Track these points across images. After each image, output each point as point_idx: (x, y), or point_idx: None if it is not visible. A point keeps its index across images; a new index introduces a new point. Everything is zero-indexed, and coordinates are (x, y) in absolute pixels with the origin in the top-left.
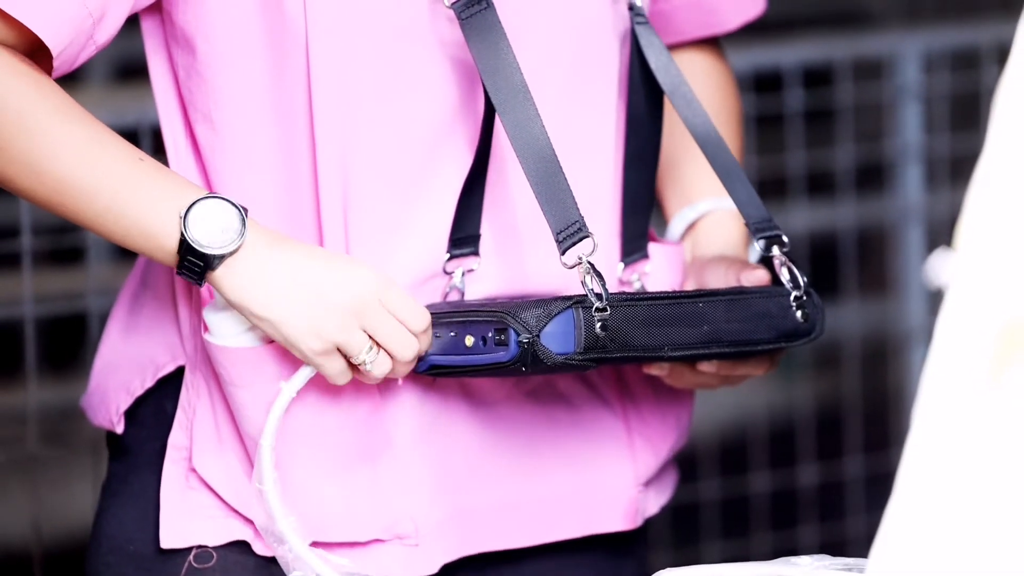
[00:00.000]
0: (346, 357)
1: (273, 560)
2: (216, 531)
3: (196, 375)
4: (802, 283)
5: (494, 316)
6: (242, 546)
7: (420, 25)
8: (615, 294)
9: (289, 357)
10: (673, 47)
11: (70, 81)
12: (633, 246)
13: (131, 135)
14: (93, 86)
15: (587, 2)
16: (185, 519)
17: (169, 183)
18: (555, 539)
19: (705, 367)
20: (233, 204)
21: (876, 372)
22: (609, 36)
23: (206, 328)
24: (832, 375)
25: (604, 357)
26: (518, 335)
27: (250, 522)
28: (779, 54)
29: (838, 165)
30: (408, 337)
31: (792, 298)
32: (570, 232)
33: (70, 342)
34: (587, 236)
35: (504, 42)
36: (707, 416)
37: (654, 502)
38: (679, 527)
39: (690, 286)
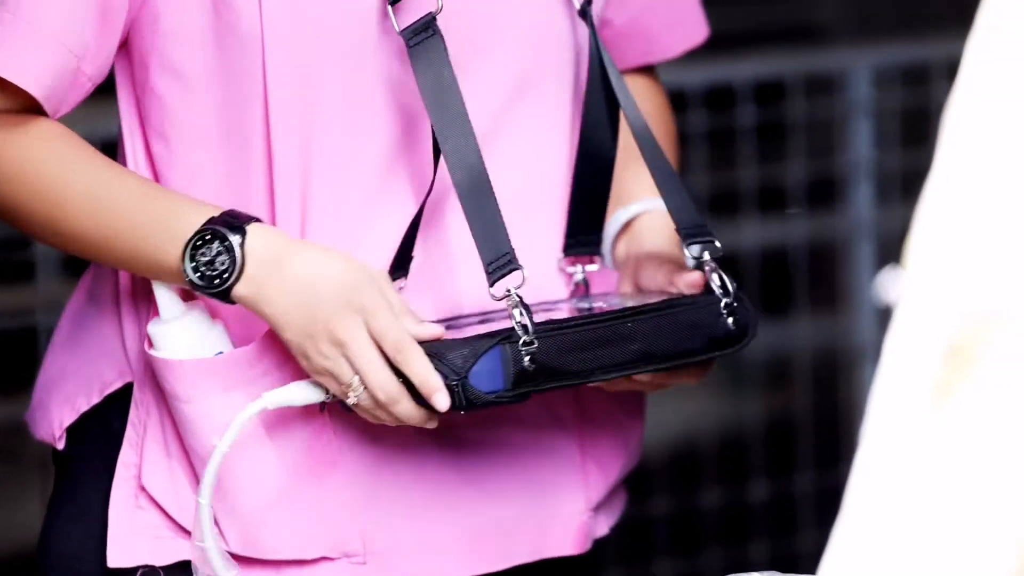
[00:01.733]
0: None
1: None
2: (164, 551)
3: (145, 392)
4: (731, 289)
5: None
6: (190, 565)
7: (372, 47)
8: (541, 323)
9: (233, 372)
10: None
11: None
12: (579, 241)
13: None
14: None
15: (545, 18)
16: (133, 538)
17: (171, 217)
18: (507, 566)
19: (640, 377)
20: (228, 231)
21: (827, 388)
22: (566, 50)
23: (150, 343)
24: (783, 391)
25: (534, 389)
26: (446, 378)
27: None
28: (731, 70)
29: (789, 181)
30: (386, 376)
31: (723, 305)
32: (500, 264)
33: (19, 358)
34: (516, 269)
35: (448, 70)
36: (657, 432)
37: (603, 524)
38: (630, 543)
39: (625, 285)
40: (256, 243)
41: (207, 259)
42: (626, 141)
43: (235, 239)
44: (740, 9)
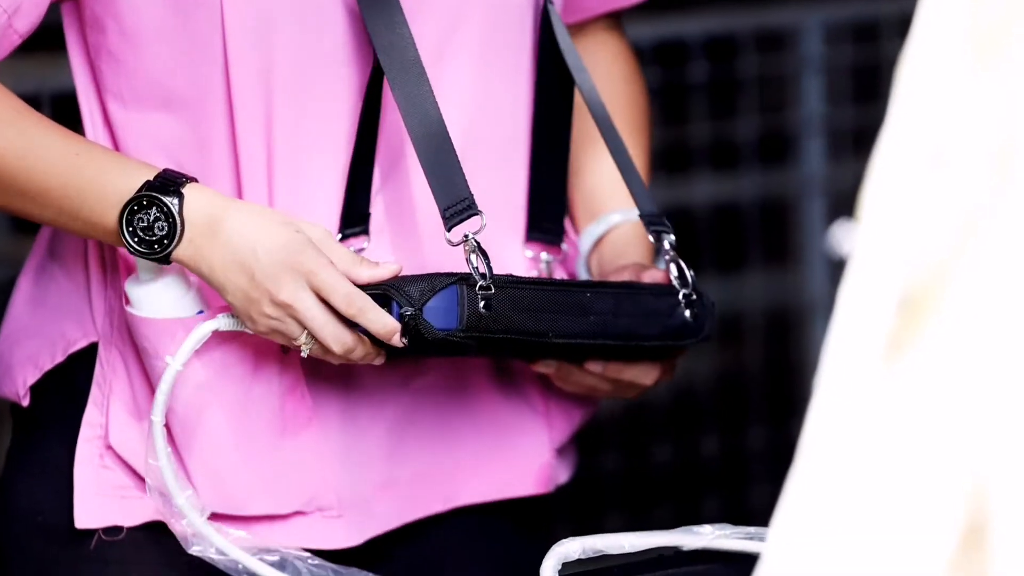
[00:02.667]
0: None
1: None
2: (131, 510)
3: (111, 351)
4: (690, 281)
5: (378, 288)
6: (155, 523)
7: (328, 1)
8: (501, 275)
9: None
10: (579, 24)
11: None
12: (543, 225)
13: (33, 103)
14: None
15: None
16: (99, 498)
17: (104, 181)
18: (467, 502)
19: (593, 367)
20: (164, 197)
21: (779, 343)
22: (521, 12)
23: (127, 301)
24: (735, 346)
25: (486, 337)
26: (400, 307)
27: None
28: (682, 26)
29: (741, 136)
30: (338, 330)
31: (680, 296)
32: (458, 209)
33: None
34: (476, 214)
35: (400, 17)
36: None
37: (564, 471)
38: (581, 499)
39: None
40: (193, 205)
41: (144, 225)
42: (581, 125)
43: (172, 203)
44: None
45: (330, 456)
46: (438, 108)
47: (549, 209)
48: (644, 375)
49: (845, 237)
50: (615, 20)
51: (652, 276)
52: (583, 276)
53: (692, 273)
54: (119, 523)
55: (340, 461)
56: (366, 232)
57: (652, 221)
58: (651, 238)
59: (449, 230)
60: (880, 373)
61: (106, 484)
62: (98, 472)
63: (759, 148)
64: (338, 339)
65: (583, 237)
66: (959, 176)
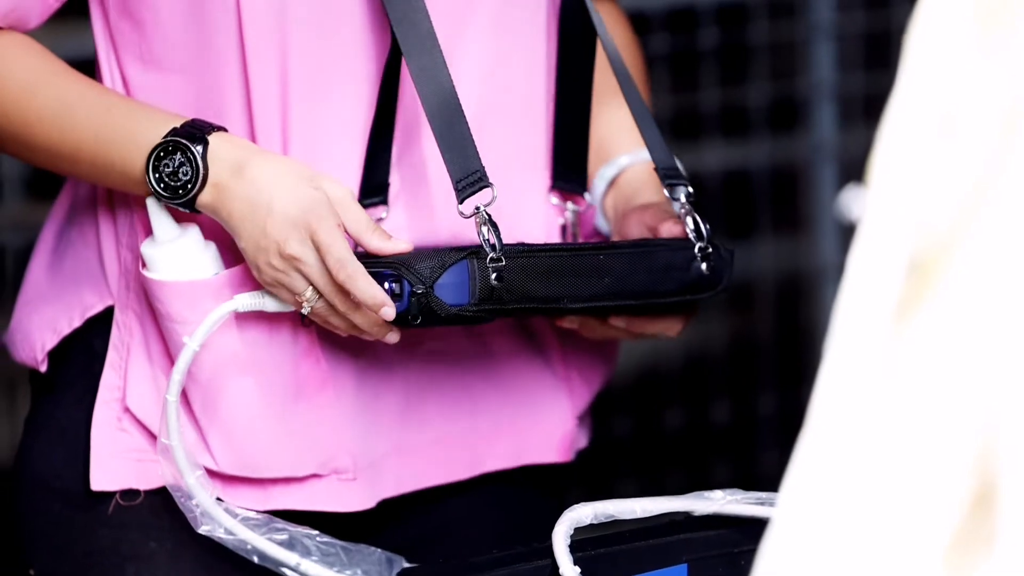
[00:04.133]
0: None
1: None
2: (148, 474)
3: (128, 314)
4: (706, 234)
5: (389, 266)
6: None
7: None
8: (511, 245)
9: (228, 292)
10: None
11: None
12: (568, 176)
13: None
14: None
15: None
16: (116, 460)
17: (135, 131)
18: (489, 469)
19: (616, 321)
20: (190, 142)
21: (790, 309)
22: None
23: (143, 264)
24: (745, 312)
25: (500, 309)
26: (411, 286)
27: None
28: None
29: (752, 103)
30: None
31: (696, 249)
32: (470, 181)
33: None
34: (486, 186)
35: None
36: (622, 353)
37: (583, 436)
38: (593, 464)
39: (615, 240)
40: (217, 152)
41: (170, 170)
42: (595, 79)
43: (197, 149)
44: None
45: (345, 419)
46: (451, 80)
47: (572, 160)
48: (669, 328)
49: (855, 203)
50: None
51: (669, 229)
52: (601, 221)
53: (708, 226)
54: (136, 486)
55: (356, 424)
56: (385, 202)
57: (668, 174)
58: (666, 191)
59: (461, 202)
60: (890, 338)
61: (123, 447)
62: (115, 435)
63: (770, 115)
64: (342, 298)
65: (596, 180)
66: (968, 142)
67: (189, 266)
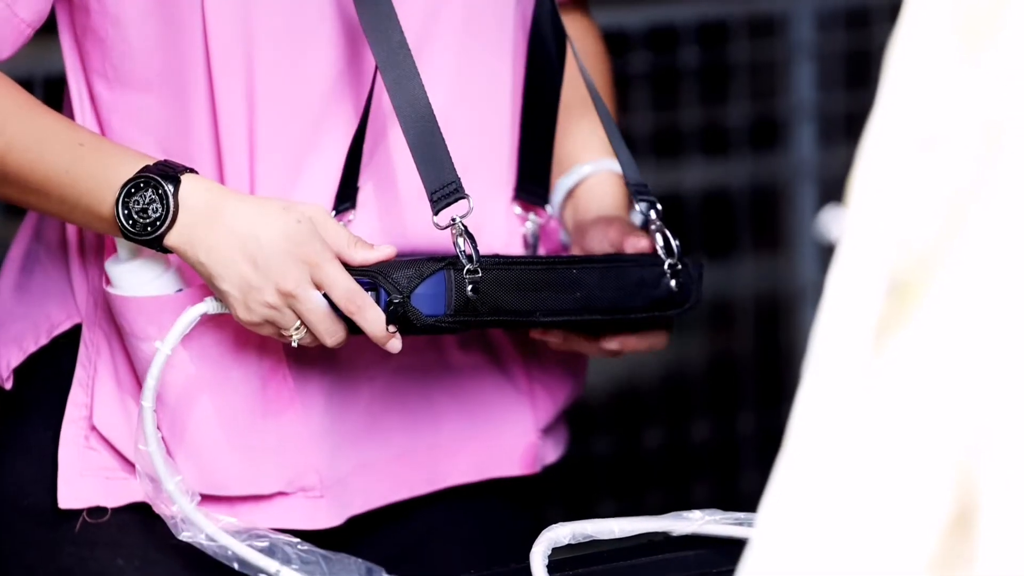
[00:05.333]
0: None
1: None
2: (115, 492)
3: (95, 332)
4: (676, 250)
5: (366, 275)
6: (141, 505)
7: None
8: (487, 256)
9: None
10: None
11: None
12: (531, 188)
13: (25, 86)
14: None
15: None
16: (84, 479)
17: (105, 167)
18: (453, 483)
19: (609, 344)
20: (162, 179)
21: (769, 328)
22: None
23: (108, 281)
24: (725, 331)
25: (474, 320)
26: (388, 295)
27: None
28: (674, 11)
29: (732, 122)
30: (334, 325)
31: (666, 266)
32: (445, 192)
33: None
34: (462, 197)
35: (387, 2)
36: (600, 371)
37: (552, 451)
38: (572, 482)
39: (575, 251)
40: (190, 192)
41: (140, 207)
42: (563, 94)
43: (169, 187)
44: None
45: (312, 436)
46: (425, 92)
47: (536, 171)
48: (658, 343)
49: (835, 222)
50: (581, 4)
51: (636, 245)
52: (563, 235)
53: (677, 242)
54: (103, 504)
55: (322, 441)
56: (353, 206)
57: (639, 191)
58: (637, 207)
59: (436, 213)
60: (869, 358)
61: (91, 465)
62: (83, 453)
63: (750, 134)
64: (333, 333)
65: (555, 190)
66: (948, 161)
67: (151, 282)
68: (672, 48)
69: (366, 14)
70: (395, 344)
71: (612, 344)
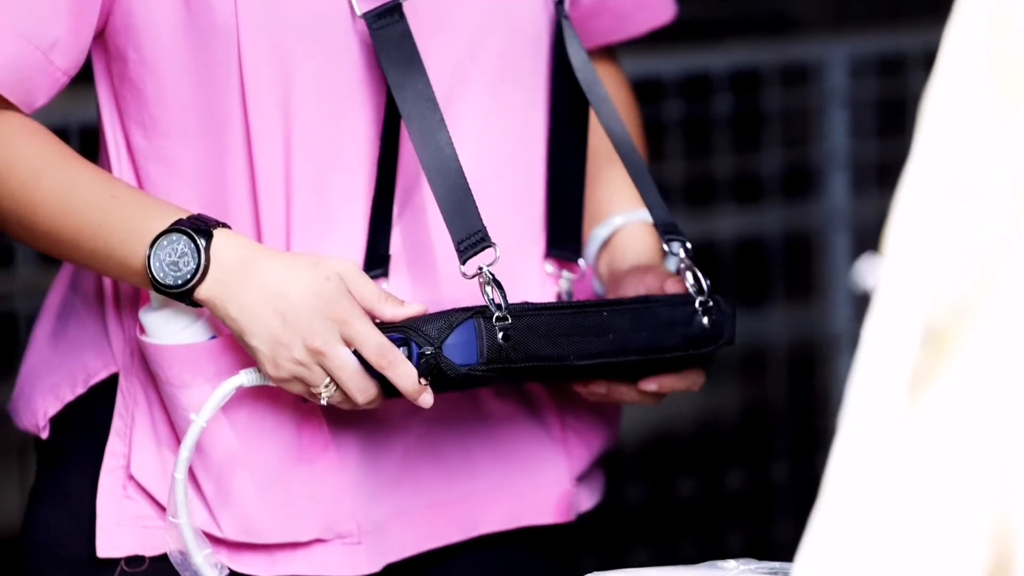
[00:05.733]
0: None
1: None
2: (152, 540)
3: (132, 381)
4: (705, 288)
5: (397, 330)
6: None
7: (346, 32)
8: (517, 304)
9: (226, 355)
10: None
11: None
12: (563, 244)
13: (61, 135)
14: None
15: (517, 2)
16: (122, 528)
17: (138, 220)
18: (486, 531)
19: (647, 385)
20: (195, 232)
21: (803, 377)
22: (538, 33)
23: (142, 329)
24: (759, 380)
25: (508, 368)
26: (420, 348)
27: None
28: (707, 59)
29: (765, 170)
30: (365, 382)
31: (697, 303)
32: (472, 242)
33: None
34: (489, 246)
35: (415, 55)
36: (634, 419)
37: (586, 499)
38: (606, 531)
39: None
40: (222, 246)
41: (171, 259)
42: (592, 142)
43: (201, 241)
44: None
45: (348, 482)
46: (451, 143)
47: (567, 226)
48: (695, 383)
49: (869, 271)
50: (610, 49)
51: (670, 287)
52: (596, 285)
53: (708, 281)
54: (141, 553)
55: (358, 487)
56: (385, 275)
57: (667, 230)
58: (666, 247)
59: (464, 263)
60: (904, 407)
61: (128, 514)
62: (120, 502)
63: (783, 182)
64: (363, 390)
65: (590, 241)
66: (983, 210)
67: (185, 330)
68: (705, 96)
69: (392, 67)
70: (427, 399)
71: (651, 385)
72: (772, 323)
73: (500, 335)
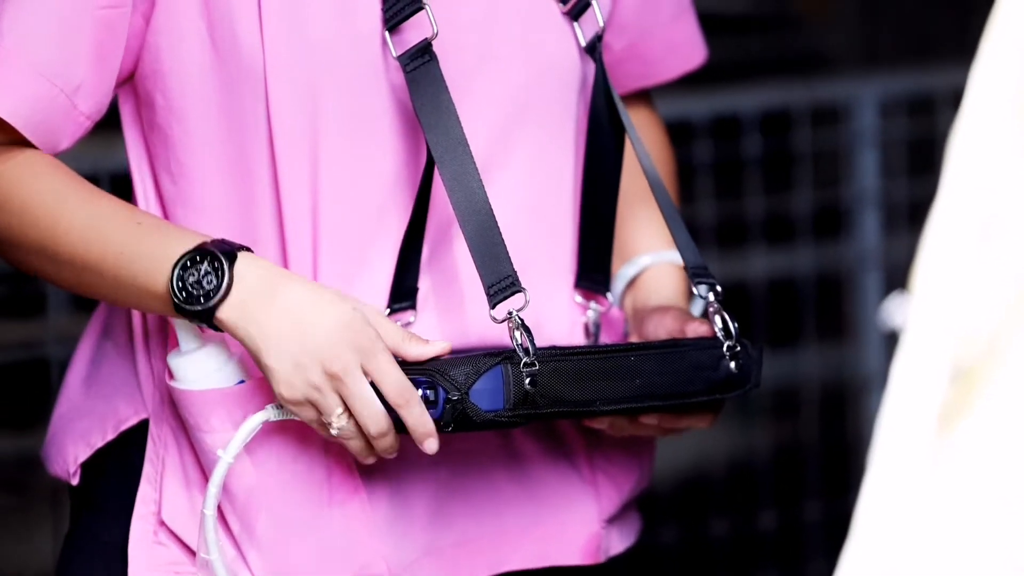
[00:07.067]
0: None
1: None
2: None
3: (163, 427)
4: (734, 332)
5: (424, 373)
6: None
7: (375, 73)
8: (544, 348)
9: (256, 400)
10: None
11: None
12: (592, 277)
13: (91, 181)
14: None
15: (545, 43)
16: (153, 574)
17: (161, 243)
18: (513, 568)
19: (647, 420)
20: (219, 252)
21: (835, 417)
22: (570, 76)
23: (171, 375)
24: (791, 419)
25: (534, 413)
26: (446, 393)
27: None
28: (737, 100)
29: (796, 211)
30: (379, 414)
31: (725, 348)
32: (502, 286)
33: (30, 391)
34: (519, 291)
35: (445, 95)
36: (667, 460)
37: (618, 542)
38: (639, 571)
39: (633, 337)
40: (246, 268)
41: (194, 279)
42: (624, 181)
43: (224, 261)
44: (745, 39)
45: (378, 523)
46: (483, 186)
47: (596, 260)
48: (699, 422)
49: (900, 310)
50: (644, 92)
51: (696, 331)
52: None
53: (736, 324)
54: None
55: (389, 529)
56: (413, 307)
57: (697, 272)
58: (695, 290)
59: (493, 307)
60: (934, 446)
61: (160, 560)
62: (152, 549)
63: (814, 222)
64: (377, 421)
65: (616, 279)
66: (1011, 249)
67: (213, 375)
68: (736, 137)
69: (424, 109)
70: (432, 445)
71: (650, 420)
72: (804, 363)
73: (527, 381)
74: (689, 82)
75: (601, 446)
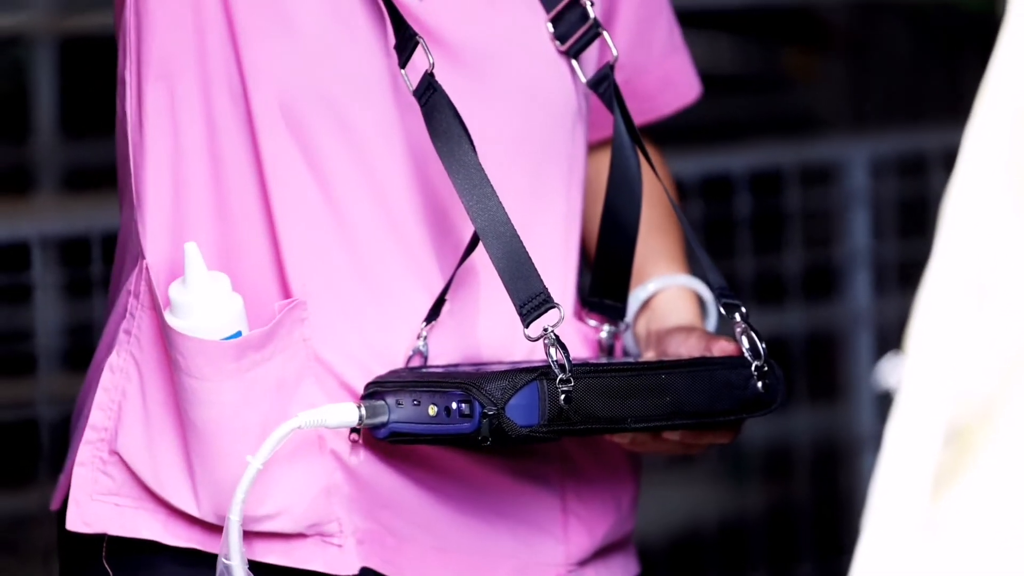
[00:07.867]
0: None
1: (184, 551)
2: (123, 522)
3: (127, 359)
4: (762, 352)
5: (460, 387)
6: (151, 545)
7: (386, 111)
8: (579, 364)
9: (246, 354)
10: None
11: (22, 191)
12: (607, 304)
13: (82, 242)
14: (44, 194)
15: (544, 81)
16: (94, 504)
17: None
18: None
19: (669, 435)
20: None
21: (827, 477)
22: (569, 110)
23: (168, 305)
24: (783, 480)
25: (568, 429)
26: (483, 407)
27: (162, 510)
28: (727, 160)
29: (787, 271)
30: None
31: (753, 368)
32: (535, 304)
33: (20, 450)
34: (553, 306)
35: (456, 124)
36: (658, 520)
37: None
38: None
39: (650, 356)
40: None
41: None
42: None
43: None
44: (736, 99)
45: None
46: (504, 209)
47: (613, 286)
48: (721, 439)
49: (892, 371)
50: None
51: (724, 349)
52: (630, 342)
53: (764, 344)
54: (108, 531)
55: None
56: (436, 316)
57: (723, 294)
58: (723, 310)
59: (527, 325)
60: (928, 509)
61: (103, 488)
62: (96, 477)
63: (805, 282)
64: None
65: (630, 301)
66: (1005, 310)
67: (211, 321)
68: (726, 196)
69: (440, 141)
70: None
71: (673, 435)
72: (796, 423)
73: (562, 397)
74: (679, 141)
75: (575, 487)
